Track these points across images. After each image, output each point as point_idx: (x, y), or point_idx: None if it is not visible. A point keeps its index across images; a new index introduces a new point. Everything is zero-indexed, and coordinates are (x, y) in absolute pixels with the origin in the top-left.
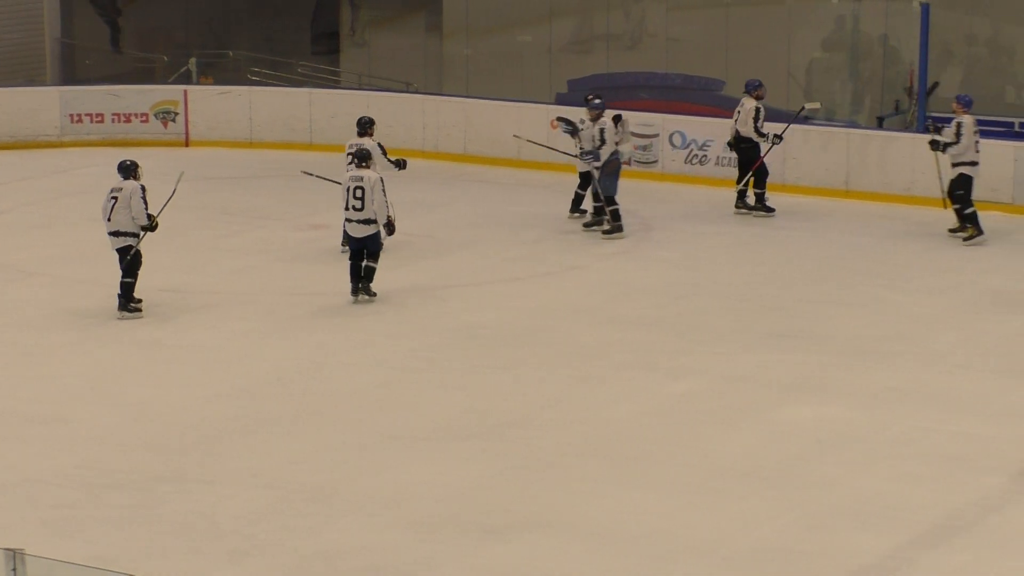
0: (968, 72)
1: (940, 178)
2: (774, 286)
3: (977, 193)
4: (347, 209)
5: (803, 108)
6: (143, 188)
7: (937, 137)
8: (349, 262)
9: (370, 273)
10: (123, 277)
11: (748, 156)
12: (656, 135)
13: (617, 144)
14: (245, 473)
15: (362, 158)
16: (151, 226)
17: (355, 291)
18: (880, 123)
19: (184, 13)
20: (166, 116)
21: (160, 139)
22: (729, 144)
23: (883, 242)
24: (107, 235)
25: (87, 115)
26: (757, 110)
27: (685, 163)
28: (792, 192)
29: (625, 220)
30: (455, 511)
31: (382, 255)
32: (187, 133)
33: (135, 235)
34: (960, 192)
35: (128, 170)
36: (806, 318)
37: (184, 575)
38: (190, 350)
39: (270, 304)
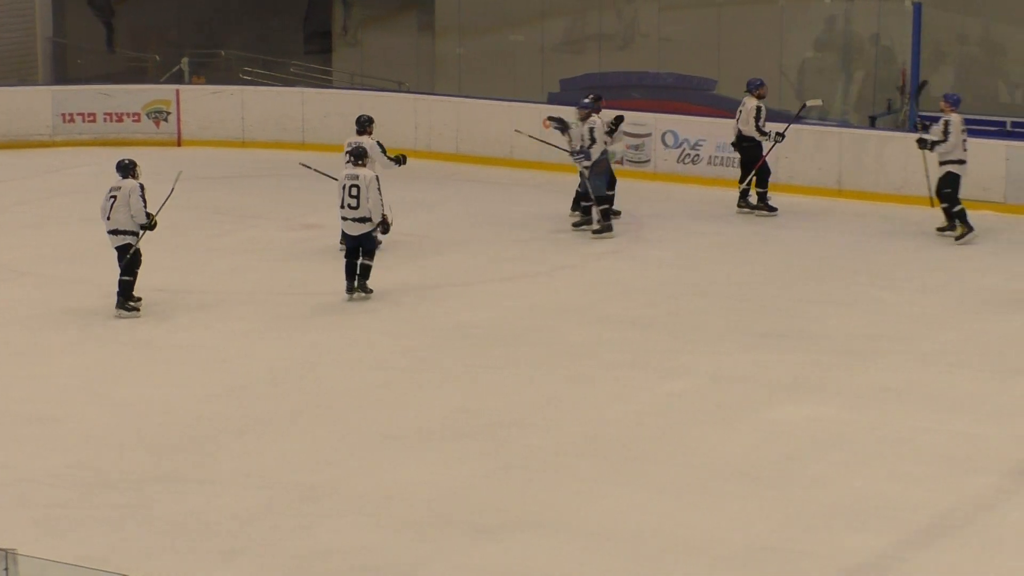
0: (960, 71)
1: (927, 176)
2: (767, 286)
3: (969, 192)
4: (343, 207)
5: (804, 105)
6: (142, 187)
7: (925, 135)
8: (345, 260)
9: (366, 271)
10: (122, 275)
11: (750, 155)
12: (648, 135)
13: (607, 144)
14: (238, 473)
15: (358, 156)
16: (150, 225)
17: (351, 289)
18: (872, 123)
19: (176, 12)
20: (158, 116)
21: (152, 139)
22: (732, 144)
23: (876, 241)
24: (106, 234)
25: (79, 115)
26: (759, 109)
27: (677, 162)
28: (785, 192)
29: (617, 219)
30: (448, 511)
31: (377, 254)
32: (179, 132)
33: (134, 234)
34: (947, 190)
35: (127, 169)
36: (799, 317)
37: (177, 575)
38: (183, 350)
39: (263, 304)
